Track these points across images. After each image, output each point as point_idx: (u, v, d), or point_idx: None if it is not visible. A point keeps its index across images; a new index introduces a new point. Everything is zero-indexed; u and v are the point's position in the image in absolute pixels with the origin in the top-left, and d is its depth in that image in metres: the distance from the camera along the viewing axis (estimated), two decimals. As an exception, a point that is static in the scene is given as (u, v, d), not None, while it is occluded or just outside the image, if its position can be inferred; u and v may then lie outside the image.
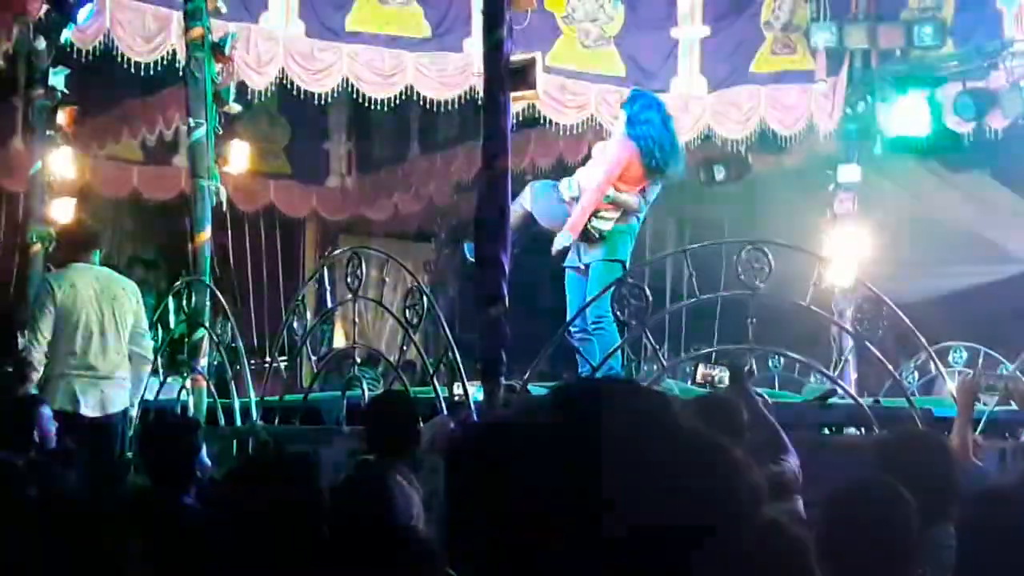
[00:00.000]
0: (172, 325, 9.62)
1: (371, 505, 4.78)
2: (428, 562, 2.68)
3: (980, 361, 10.42)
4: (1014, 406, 6.79)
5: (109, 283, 8.31)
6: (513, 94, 7.49)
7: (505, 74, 7.40)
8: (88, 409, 7.84)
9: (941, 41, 11.65)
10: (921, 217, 13.74)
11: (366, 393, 7.78)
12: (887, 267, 11.48)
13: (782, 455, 5.63)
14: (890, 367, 7.78)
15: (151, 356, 8.68)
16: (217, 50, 9.50)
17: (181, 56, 9.89)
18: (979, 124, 11.56)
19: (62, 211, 10.66)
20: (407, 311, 7.90)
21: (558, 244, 8.57)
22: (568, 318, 8.27)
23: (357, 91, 11.38)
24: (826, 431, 8.08)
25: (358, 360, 8.39)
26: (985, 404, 7.26)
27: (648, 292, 7.68)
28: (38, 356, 7.88)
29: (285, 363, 9.53)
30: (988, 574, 3.11)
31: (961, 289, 14.45)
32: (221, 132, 10.03)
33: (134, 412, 8.59)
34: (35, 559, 3.03)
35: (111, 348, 8.12)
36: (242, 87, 10.54)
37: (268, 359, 10.19)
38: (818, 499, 4.48)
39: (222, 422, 8.84)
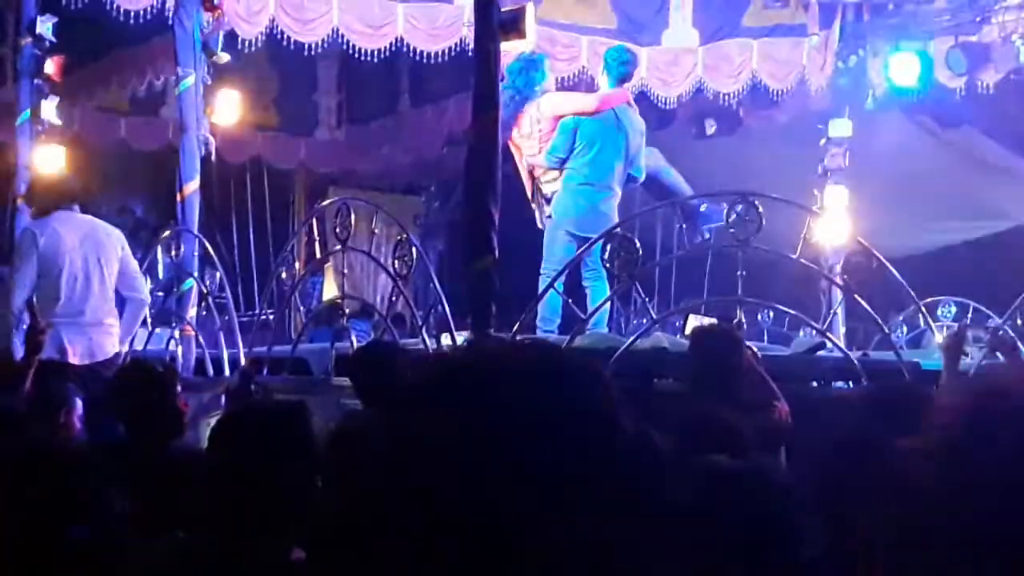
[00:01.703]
0: (160, 275, 9.62)
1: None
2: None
3: (969, 315, 10.45)
4: (1000, 358, 6.81)
5: (93, 229, 8.26)
6: (504, 44, 7.46)
7: (496, 25, 7.36)
8: (76, 357, 7.81)
9: (934, -5, 11.62)
10: (912, 172, 13.72)
11: (355, 344, 7.78)
12: (877, 222, 11.48)
13: (774, 401, 5.66)
14: (879, 320, 7.78)
15: (147, 297, 8.65)
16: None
17: (170, 5, 9.84)
18: (971, 79, 11.52)
19: (50, 159, 10.62)
20: (396, 263, 7.90)
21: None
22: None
23: (347, 42, 11.31)
24: (814, 384, 8.10)
25: (347, 312, 8.39)
26: (971, 358, 7.28)
27: (638, 245, 7.67)
28: (18, 303, 7.83)
29: (274, 314, 9.54)
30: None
31: (951, 244, 14.49)
32: (210, 83, 9.99)
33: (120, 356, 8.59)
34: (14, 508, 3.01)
35: (96, 294, 8.08)
36: (231, 38, 10.47)
37: (257, 310, 10.19)
38: (807, 450, 4.50)
39: (211, 372, 8.85)
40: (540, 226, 9.11)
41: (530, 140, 9.12)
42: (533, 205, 9.29)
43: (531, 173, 9.26)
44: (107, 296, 8.23)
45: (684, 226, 7.85)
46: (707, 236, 8.72)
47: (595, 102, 9.25)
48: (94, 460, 3.29)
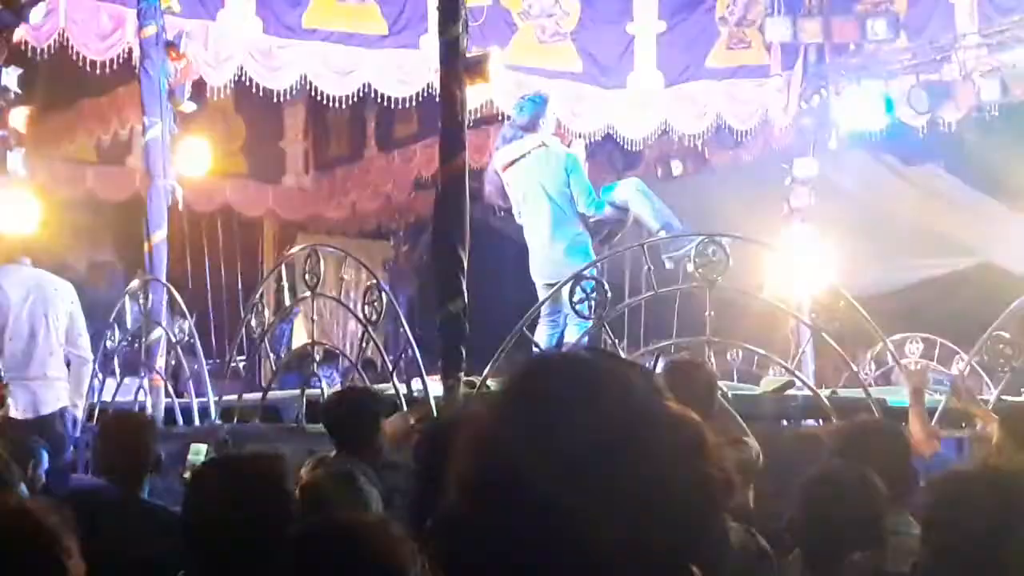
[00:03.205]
0: (128, 325, 9.58)
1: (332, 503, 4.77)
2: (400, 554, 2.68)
3: (936, 352, 10.51)
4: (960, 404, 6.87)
5: (40, 284, 8.24)
6: (470, 89, 7.50)
7: (461, 70, 7.40)
8: (18, 412, 7.76)
9: (895, 34, 11.72)
10: (876, 210, 13.81)
11: (325, 391, 7.77)
12: (843, 260, 11.55)
13: (744, 438, 5.68)
14: (847, 358, 7.82)
15: (89, 356, 8.61)
16: (171, 48, 9.47)
17: (137, 55, 9.85)
18: (933, 117, 11.62)
19: (18, 212, 10.58)
20: (366, 308, 7.90)
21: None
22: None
23: (314, 89, 11.34)
24: (784, 423, 8.12)
25: (317, 358, 8.38)
26: (937, 396, 7.32)
27: (606, 287, 7.70)
28: None
29: (244, 362, 9.50)
30: (952, 558, 3.14)
31: (916, 281, 14.55)
32: (176, 131, 10.00)
33: (78, 412, 8.54)
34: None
35: (41, 348, 8.05)
36: (198, 86, 10.49)
37: (227, 358, 10.16)
38: (778, 489, 4.52)
39: (180, 422, 8.81)
40: None
41: None
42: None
43: None
44: (52, 350, 8.20)
45: (651, 268, 7.87)
46: (669, 267, 8.72)
47: None
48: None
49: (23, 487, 5.49)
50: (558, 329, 8.74)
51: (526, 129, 9.22)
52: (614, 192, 9.20)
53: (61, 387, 8.26)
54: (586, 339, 7.91)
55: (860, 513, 3.82)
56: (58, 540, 2.73)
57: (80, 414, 8.58)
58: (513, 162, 9.20)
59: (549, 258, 9.01)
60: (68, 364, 8.47)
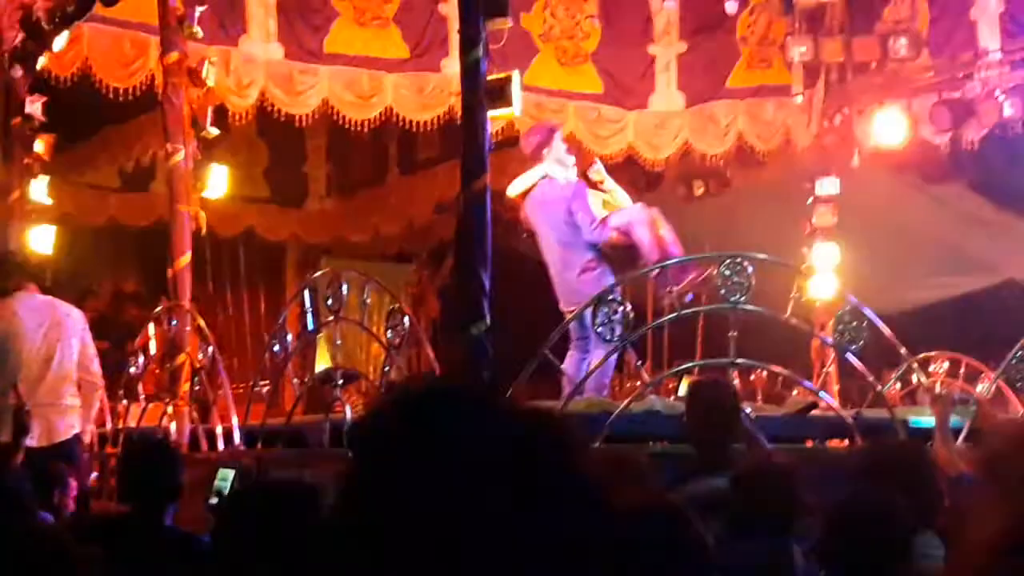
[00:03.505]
0: (152, 351, 9.61)
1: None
2: None
3: (961, 371, 10.45)
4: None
5: (52, 310, 8.27)
6: (491, 112, 7.50)
7: (482, 93, 7.41)
8: (33, 440, 7.77)
9: (916, 53, 11.69)
10: (900, 229, 13.77)
11: (348, 415, 7.77)
12: (867, 279, 11.51)
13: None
14: (871, 378, 7.79)
15: (100, 382, 8.64)
16: (194, 75, 9.51)
17: (159, 82, 9.89)
18: (955, 135, 11.59)
19: (41, 239, 10.64)
20: (389, 332, 7.90)
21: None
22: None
23: (336, 112, 11.38)
24: (808, 444, 8.09)
25: (340, 382, 8.38)
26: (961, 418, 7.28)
27: (630, 308, 7.69)
28: None
29: (267, 386, 9.51)
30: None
31: (941, 300, 14.50)
32: (199, 157, 10.04)
33: (86, 438, 8.56)
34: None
35: (54, 375, 8.08)
36: (220, 111, 10.53)
37: (250, 383, 10.18)
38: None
39: (204, 447, 8.82)
40: None
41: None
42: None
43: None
44: (64, 376, 8.21)
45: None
46: (685, 299, 8.75)
47: None
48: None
49: (47, 515, 5.51)
50: (588, 355, 8.72)
51: (532, 159, 9.31)
52: (616, 216, 9.20)
53: (74, 414, 8.28)
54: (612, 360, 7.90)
55: (886, 536, 3.80)
56: (70, 562, 2.74)
57: (87, 439, 8.61)
58: (526, 192, 9.28)
59: (563, 285, 9.06)
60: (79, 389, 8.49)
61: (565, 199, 9.07)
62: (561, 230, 9.06)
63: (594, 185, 9.49)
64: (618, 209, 9.32)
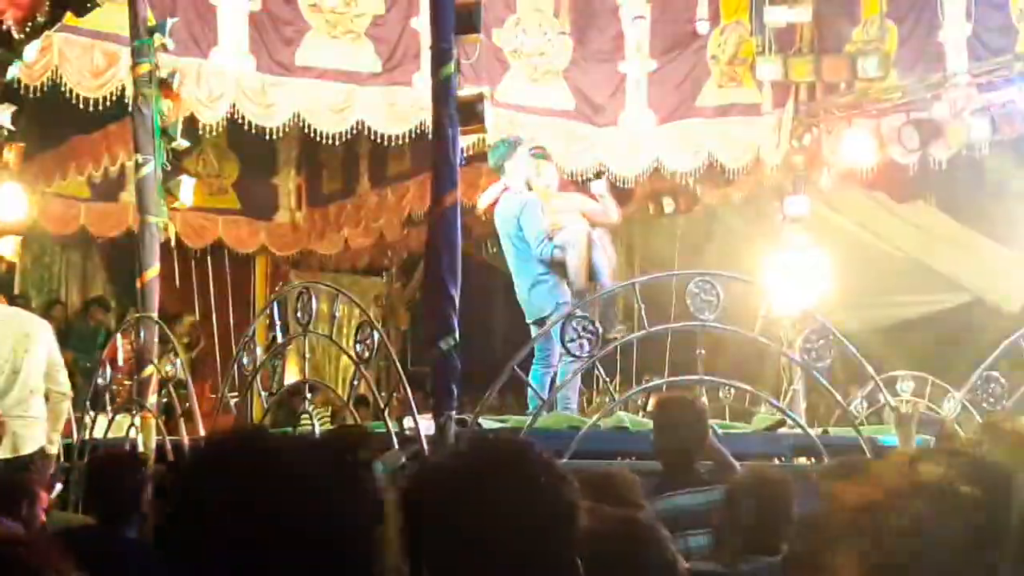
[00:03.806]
0: (120, 362, 9.57)
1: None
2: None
3: (927, 390, 10.52)
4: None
5: (17, 321, 8.23)
6: (462, 128, 7.53)
7: (453, 108, 7.43)
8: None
9: (885, 73, 11.78)
10: (868, 247, 13.86)
11: (317, 428, 7.75)
12: (835, 297, 11.58)
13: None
14: (838, 396, 7.83)
15: (68, 392, 8.60)
16: (164, 86, 9.49)
17: (130, 92, 9.86)
18: (923, 155, 11.67)
19: (9, 248, 10.60)
20: (358, 346, 7.89)
21: None
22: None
23: (307, 125, 11.37)
24: (776, 461, 8.12)
25: (308, 395, 8.36)
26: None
27: (598, 325, 7.71)
28: None
29: (235, 399, 9.47)
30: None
31: (908, 318, 14.59)
32: (169, 168, 10.01)
33: (53, 449, 8.52)
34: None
35: (19, 387, 8.03)
36: (190, 122, 10.50)
37: (218, 395, 10.14)
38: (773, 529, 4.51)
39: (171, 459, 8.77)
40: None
41: None
42: None
43: None
44: (32, 388, 8.18)
45: (642, 307, 7.90)
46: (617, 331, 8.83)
47: None
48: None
49: (16, 524, 5.47)
50: (550, 369, 8.75)
51: (495, 172, 9.43)
52: (559, 235, 9.24)
53: (40, 427, 8.23)
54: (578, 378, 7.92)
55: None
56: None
57: (54, 450, 8.56)
58: (492, 205, 9.40)
59: (521, 298, 9.18)
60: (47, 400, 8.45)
61: (514, 214, 9.18)
62: (514, 243, 9.18)
63: (594, 198, 9.67)
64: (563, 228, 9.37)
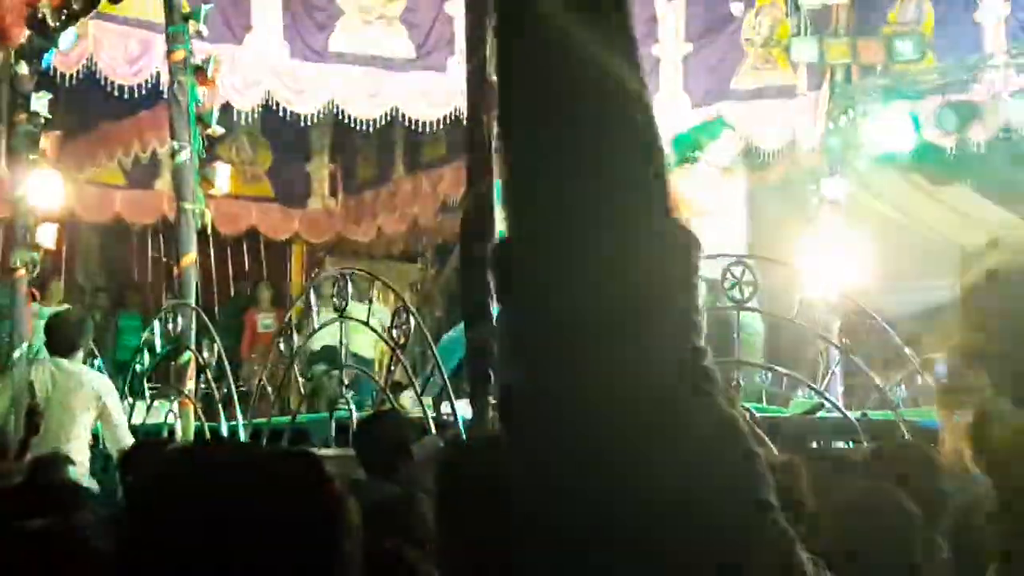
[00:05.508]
0: (158, 349, 9.61)
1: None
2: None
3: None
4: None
5: (67, 380, 8.22)
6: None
7: (488, 94, 7.40)
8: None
9: (921, 55, 11.69)
10: (905, 230, 13.76)
11: (354, 414, 7.77)
12: (873, 280, 11.50)
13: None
14: (876, 379, 7.78)
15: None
16: (200, 73, 9.51)
17: (164, 79, 9.90)
18: (961, 137, 11.58)
19: (46, 236, 10.63)
20: (394, 331, 7.90)
21: None
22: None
23: (340, 111, 11.38)
24: (814, 445, 8.08)
25: (345, 381, 8.38)
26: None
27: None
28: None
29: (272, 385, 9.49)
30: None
31: (947, 301, 14.48)
32: (204, 155, 10.05)
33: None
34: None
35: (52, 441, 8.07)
36: (225, 110, 10.53)
37: (256, 380, 10.17)
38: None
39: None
40: None
41: None
42: None
43: None
44: (69, 443, 8.21)
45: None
46: None
47: None
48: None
49: None
50: None
51: (687, 155, 9.39)
52: None
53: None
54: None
55: (895, 538, 3.79)
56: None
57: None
58: None
59: None
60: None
61: None
62: None
63: None
64: None
